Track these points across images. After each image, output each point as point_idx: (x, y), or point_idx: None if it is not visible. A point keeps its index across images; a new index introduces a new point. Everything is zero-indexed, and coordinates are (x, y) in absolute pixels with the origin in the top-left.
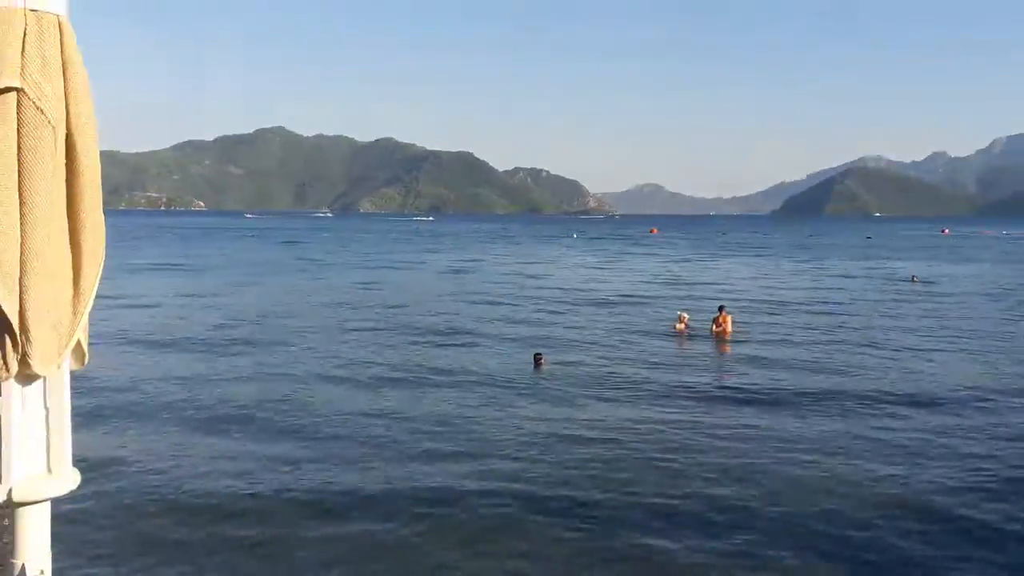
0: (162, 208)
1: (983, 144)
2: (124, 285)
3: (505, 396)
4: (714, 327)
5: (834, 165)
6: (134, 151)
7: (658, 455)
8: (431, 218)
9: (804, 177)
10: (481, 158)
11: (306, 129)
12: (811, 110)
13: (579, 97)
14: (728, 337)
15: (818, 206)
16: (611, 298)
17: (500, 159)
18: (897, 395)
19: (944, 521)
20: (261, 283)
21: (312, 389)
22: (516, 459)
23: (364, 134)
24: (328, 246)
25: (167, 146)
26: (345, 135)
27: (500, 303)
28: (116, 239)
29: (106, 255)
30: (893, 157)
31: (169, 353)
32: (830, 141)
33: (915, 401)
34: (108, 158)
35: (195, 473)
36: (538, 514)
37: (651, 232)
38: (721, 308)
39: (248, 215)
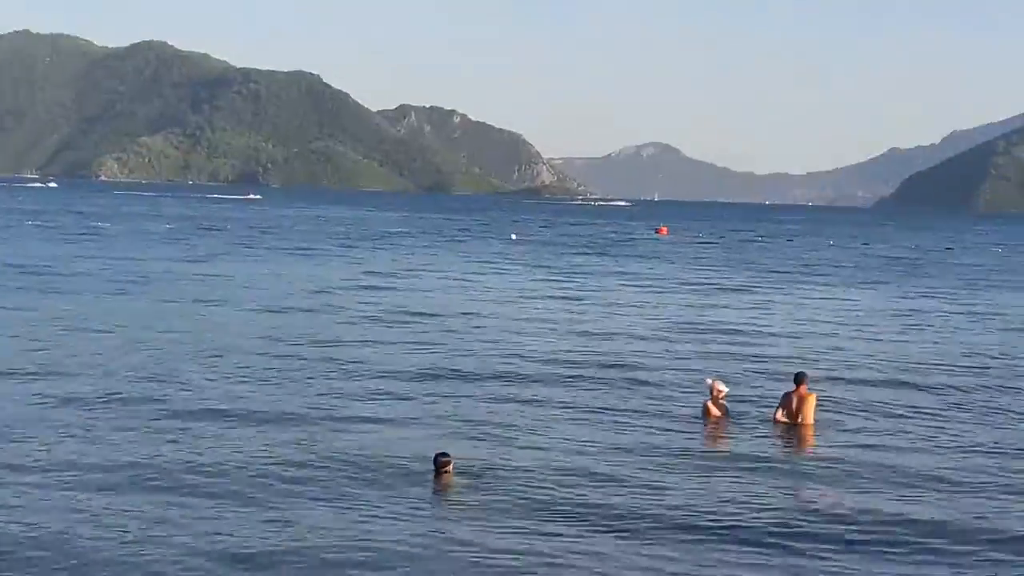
0: None
1: None
2: None
3: (382, 527)
4: (780, 413)
5: (997, 119)
6: None
7: None
8: (253, 196)
9: (937, 141)
10: (337, 87)
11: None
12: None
13: None
14: (809, 432)
15: (964, 190)
16: (581, 354)
17: (373, 92)
18: None
19: None
20: None
21: None
22: None
23: (111, 35)
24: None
25: None
26: (76, 36)
27: (375, 360)
28: None
29: None
30: None
31: None
32: (989, 80)
33: None
34: None
35: None
36: None
37: (658, 232)
38: (800, 378)
39: None
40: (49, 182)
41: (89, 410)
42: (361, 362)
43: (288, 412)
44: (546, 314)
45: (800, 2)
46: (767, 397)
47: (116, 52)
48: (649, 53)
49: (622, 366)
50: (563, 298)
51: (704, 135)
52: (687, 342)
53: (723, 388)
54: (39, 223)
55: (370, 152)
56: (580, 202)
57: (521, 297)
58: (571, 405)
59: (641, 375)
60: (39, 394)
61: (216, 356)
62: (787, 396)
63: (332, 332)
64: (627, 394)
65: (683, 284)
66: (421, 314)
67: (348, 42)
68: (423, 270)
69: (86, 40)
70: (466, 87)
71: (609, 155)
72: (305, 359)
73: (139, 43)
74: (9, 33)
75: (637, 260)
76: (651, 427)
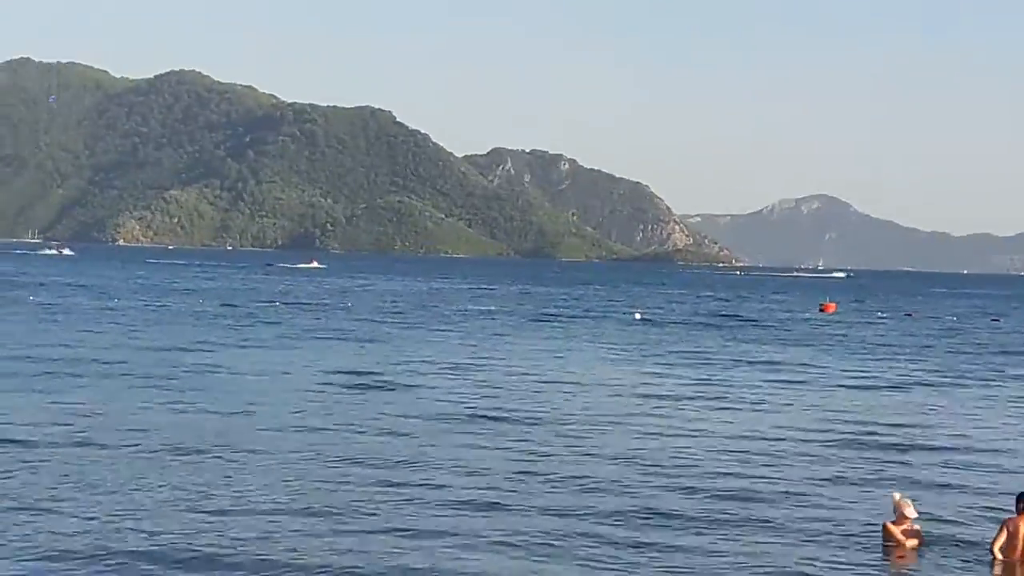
0: None
1: None
2: None
3: None
4: (998, 545)
5: None
6: None
7: None
8: (314, 264)
9: None
10: (413, 126)
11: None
12: None
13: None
14: None
15: None
16: (730, 481)
17: (459, 133)
18: None
19: None
20: None
21: None
22: None
23: (132, 63)
24: None
25: None
26: (89, 65)
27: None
28: None
29: None
30: None
31: None
32: None
33: None
34: None
35: None
36: None
37: (823, 309)
38: (1022, 500)
39: None
40: (62, 248)
41: None
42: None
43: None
44: (679, 422)
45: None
46: (977, 521)
47: (138, 84)
48: (810, 83)
49: (783, 493)
50: (701, 398)
51: (882, 187)
52: (857, 450)
53: (908, 507)
54: (98, 303)
55: (455, 208)
56: (719, 267)
57: (643, 396)
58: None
59: (799, 494)
60: None
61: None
62: (1009, 523)
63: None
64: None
65: (852, 377)
66: (501, 419)
67: (426, 70)
68: (506, 360)
69: (101, 69)
70: (576, 127)
71: (760, 211)
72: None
73: (166, 73)
74: (7, 62)
75: (794, 346)
76: (813, 559)
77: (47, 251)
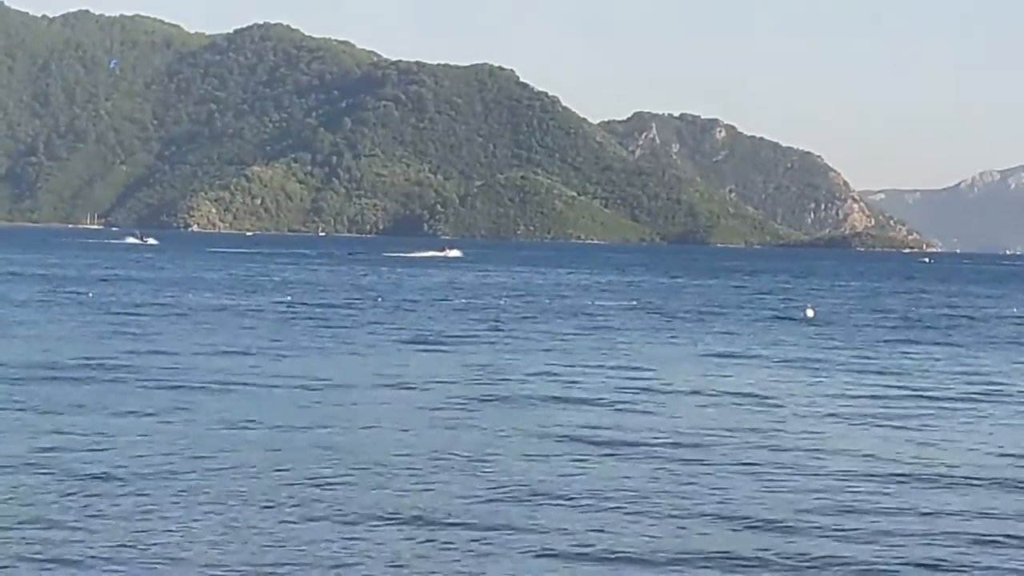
0: None
1: None
2: None
3: None
4: None
5: None
6: None
7: None
8: (450, 252)
9: None
10: (539, 87)
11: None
12: None
13: None
14: None
15: None
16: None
17: (595, 95)
18: None
19: None
20: None
21: None
22: None
23: (209, 16)
24: None
25: None
26: (159, 19)
27: None
28: None
29: None
30: None
31: None
32: None
33: None
34: None
35: None
36: None
37: None
38: None
39: None
40: (146, 238)
41: None
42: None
43: None
44: (864, 453)
45: None
46: None
47: (215, 41)
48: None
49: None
50: (883, 418)
51: None
52: None
53: None
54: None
55: (589, 185)
56: (907, 252)
57: (816, 416)
58: None
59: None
60: None
61: None
62: None
63: None
64: None
65: None
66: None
67: (555, 21)
68: (653, 370)
69: (172, 23)
70: (733, 86)
71: (958, 186)
72: None
73: (248, 27)
74: (62, 15)
75: (998, 350)
76: None
77: (129, 240)
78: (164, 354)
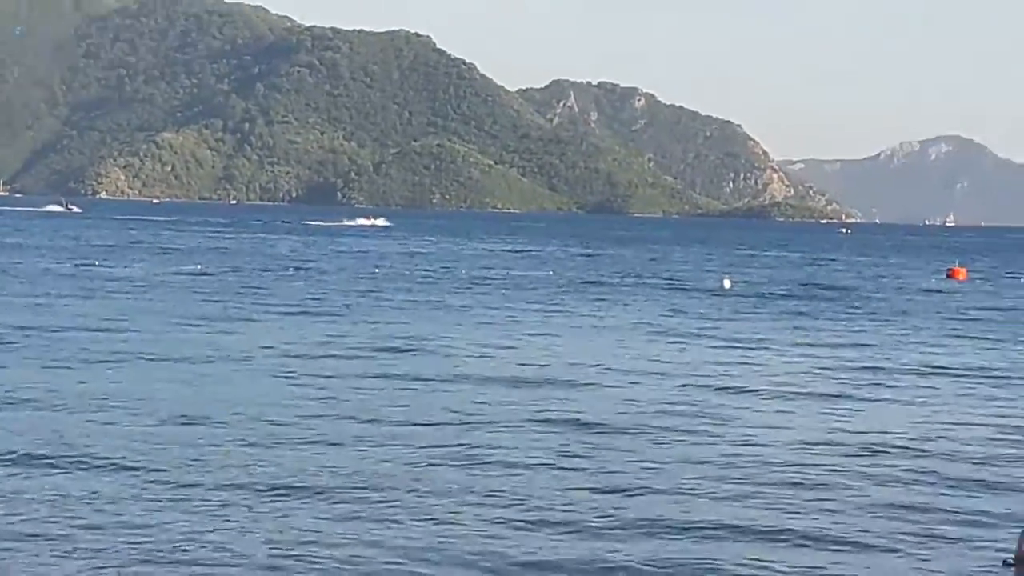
0: None
1: None
2: None
3: None
4: None
5: None
6: None
7: None
8: (378, 222)
9: None
10: (456, 54)
11: None
12: None
13: None
14: None
15: None
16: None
17: (511, 62)
18: None
19: None
20: None
21: None
22: None
23: None
24: None
25: None
26: None
27: None
28: None
29: None
30: None
31: None
32: None
33: None
34: None
35: None
36: None
37: (951, 275)
38: None
39: None
40: (71, 205)
41: None
42: None
43: None
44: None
45: None
46: None
47: (125, 5)
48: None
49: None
50: (818, 395)
51: None
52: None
53: None
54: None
55: (506, 154)
56: (824, 222)
57: (736, 391)
58: None
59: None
60: None
61: None
62: None
63: None
64: None
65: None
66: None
67: None
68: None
69: None
70: (652, 54)
71: (877, 156)
72: None
73: None
74: None
75: (930, 326)
76: None
77: (52, 207)
78: None
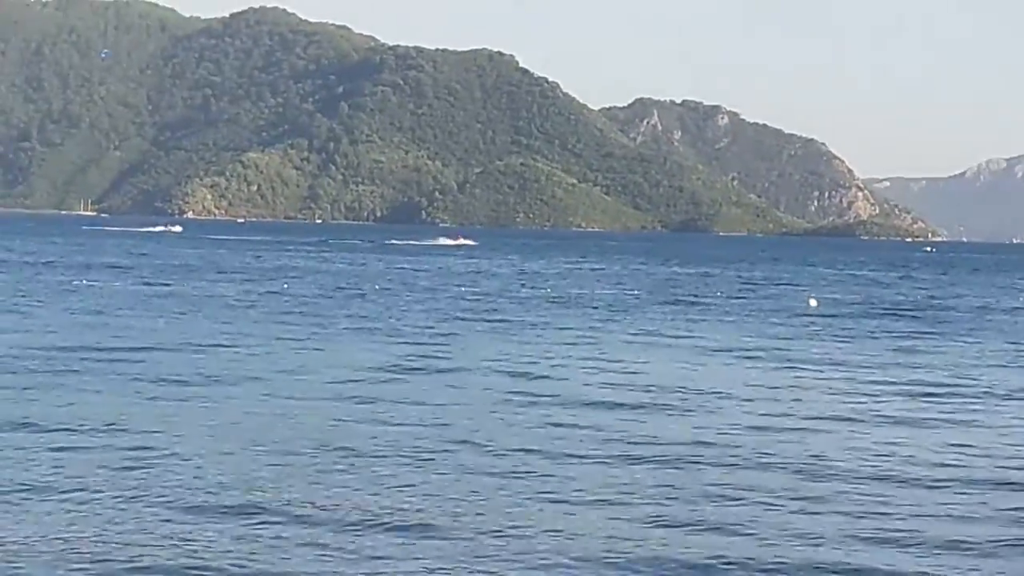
0: None
1: None
2: None
3: None
4: None
5: None
6: None
7: None
8: (460, 241)
9: None
10: (539, 73)
11: None
12: None
13: None
14: None
15: None
16: None
17: (595, 81)
18: None
19: None
20: None
21: None
22: None
23: (208, 0)
24: None
25: None
26: (156, 3)
27: None
28: None
29: None
30: None
31: None
32: None
33: None
34: None
35: None
36: None
37: None
38: None
39: None
40: (171, 226)
41: None
42: None
43: None
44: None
45: None
46: None
47: (210, 25)
48: None
49: None
50: (900, 422)
51: None
52: None
53: None
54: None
55: (590, 172)
56: (908, 243)
57: (824, 418)
58: None
59: None
60: None
61: None
62: None
63: None
64: None
65: None
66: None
67: (555, 5)
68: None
69: (167, 7)
70: (737, 72)
71: (963, 173)
72: None
73: (244, 11)
74: None
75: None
76: None
77: (155, 228)
78: None
